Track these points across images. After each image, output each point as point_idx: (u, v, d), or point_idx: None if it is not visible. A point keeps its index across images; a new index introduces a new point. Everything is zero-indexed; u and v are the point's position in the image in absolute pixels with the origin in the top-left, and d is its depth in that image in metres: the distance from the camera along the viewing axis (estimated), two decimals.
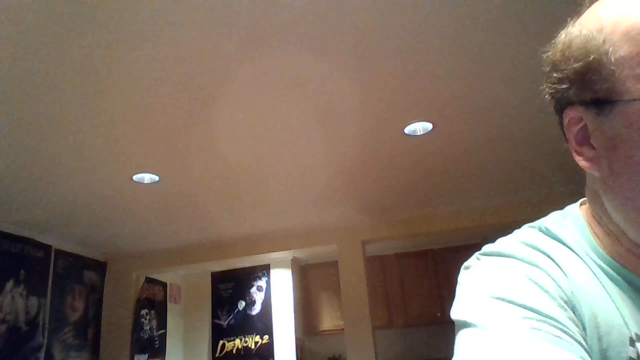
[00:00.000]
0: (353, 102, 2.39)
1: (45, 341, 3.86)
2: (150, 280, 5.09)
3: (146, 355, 4.84)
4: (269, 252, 4.77)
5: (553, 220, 0.60)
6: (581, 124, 0.53)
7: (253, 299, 5.43)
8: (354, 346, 4.27)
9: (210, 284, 5.65)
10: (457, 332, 0.52)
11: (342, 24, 1.83)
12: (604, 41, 0.49)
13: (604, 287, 0.52)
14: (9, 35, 1.73)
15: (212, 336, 5.49)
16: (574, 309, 0.50)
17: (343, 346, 4.53)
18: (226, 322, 5.47)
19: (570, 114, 0.53)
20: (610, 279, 0.52)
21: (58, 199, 3.29)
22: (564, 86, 0.53)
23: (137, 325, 4.72)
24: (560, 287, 0.51)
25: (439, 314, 5.35)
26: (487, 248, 0.58)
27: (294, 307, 5.30)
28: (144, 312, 4.90)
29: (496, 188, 3.83)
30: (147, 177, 3.06)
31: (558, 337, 0.45)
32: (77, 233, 4.05)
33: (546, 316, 0.47)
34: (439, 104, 2.46)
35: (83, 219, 3.74)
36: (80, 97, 2.14)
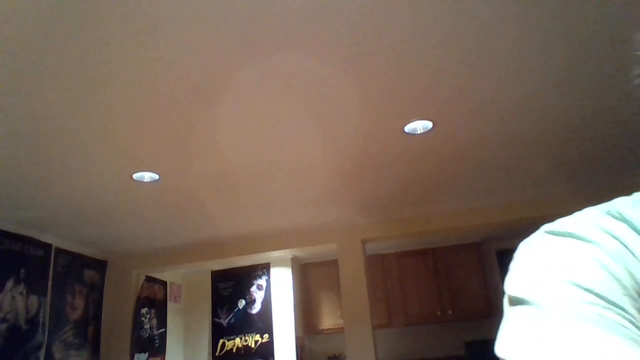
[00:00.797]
0: (353, 101, 2.39)
1: (46, 340, 3.86)
2: (150, 279, 5.09)
3: (146, 354, 4.84)
4: (269, 251, 4.77)
5: (624, 205, 0.56)
6: None
7: (253, 298, 5.43)
8: (354, 345, 4.27)
9: (210, 283, 5.65)
10: (510, 306, 0.50)
11: (342, 24, 1.83)
12: None
13: None
14: (9, 35, 1.72)
15: (212, 335, 5.49)
16: None
17: (343, 345, 4.53)
18: (226, 321, 5.47)
19: None
20: None
21: (58, 198, 3.29)
22: None
23: (137, 324, 4.73)
24: (632, 275, 0.49)
25: (439, 313, 5.35)
26: (551, 227, 0.55)
27: (294, 305, 5.30)
28: (144, 310, 4.90)
29: (496, 187, 3.82)
30: (147, 176, 3.06)
31: (623, 326, 0.44)
32: (77, 232, 4.06)
33: (613, 304, 0.45)
34: (439, 102, 2.46)
35: (83, 218, 3.74)
36: (80, 96, 2.14)
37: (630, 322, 0.45)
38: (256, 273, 5.48)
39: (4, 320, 3.49)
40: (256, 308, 5.39)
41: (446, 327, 5.48)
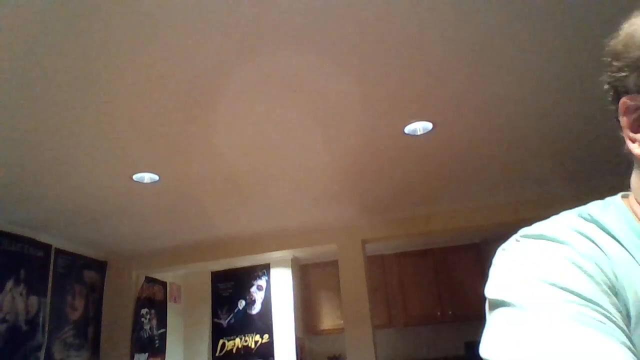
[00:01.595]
0: (353, 102, 2.39)
1: (45, 340, 3.86)
2: (150, 280, 5.09)
3: (146, 355, 4.84)
4: (269, 252, 4.77)
5: (594, 207, 0.59)
6: (638, 112, 0.54)
7: (253, 298, 5.43)
8: (354, 345, 4.27)
9: (210, 283, 5.65)
10: (492, 310, 0.51)
11: (342, 24, 1.83)
12: None
13: None
14: (9, 35, 1.73)
15: (212, 335, 5.49)
16: (617, 294, 0.49)
17: (343, 345, 4.53)
18: (226, 321, 5.47)
19: (627, 102, 0.54)
20: None
21: (58, 199, 3.29)
22: (623, 74, 0.54)
23: (137, 325, 4.73)
24: (604, 272, 0.50)
25: (439, 313, 5.36)
26: (526, 231, 0.57)
27: (294, 306, 5.30)
28: (144, 311, 4.90)
29: (496, 188, 3.82)
30: (147, 177, 3.06)
31: (600, 322, 0.45)
32: (77, 232, 4.05)
33: (589, 301, 0.47)
34: (439, 103, 2.46)
35: (83, 219, 3.74)
36: (80, 96, 2.14)
37: (607, 317, 0.46)
38: (256, 273, 5.48)
39: (4, 320, 3.48)
40: (256, 308, 5.39)
41: (446, 328, 5.48)
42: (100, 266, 4.71)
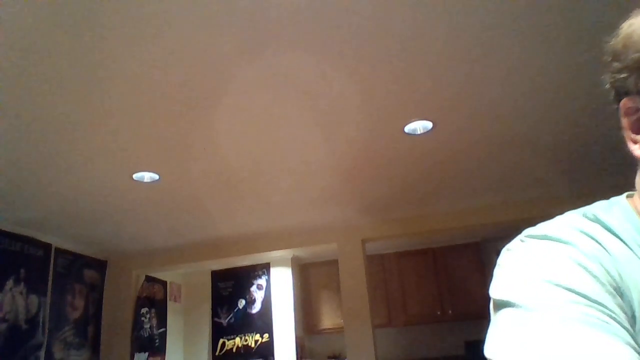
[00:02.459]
0: (353, 101, 2.39)
1: (46, 340, 3.86)
2: (150, 279, 5.09)
3: (146, 354, 4.84)
4: (269, 251, 4.77)
5: (599, 208, 0.59)
6: (638, 114, 0.54)
7: (253, 298, 5.43)
8: (354, 344, 4.27)
9: (210, 283, 5.65)
10: (497, 310, 0.51)
11: (342, 24, 1.83)
12: None
13: None
14: (9, 35, 1.72)
15: (212, 335, 5.49)
16: (622, 295, 0.49)
17: (343, 344, 4.53)
18: (226, 321, 5.47)
19: (628, 103, 0.54)
20: None
21: (58, 198, 3.29)
22: (623, 75, 0.54)
23: (137, 324, 4.73)
24: (608, 273, 0.50)
25: (439, 313, 5.36)
26: (530, 231, 0.57)
27: (294, 305, 5.30)
28: (144, 310, 4.90)
29: (496, 187, 3.82)
30: (147, 176, 3.06)
31: (606, 322, 0.45)
32: (77, 232, 4.06)
33: (594, 301, 0.46)
34: (439, 102, 2.46)
35: (83, 218, 3.74)
36: (80, 96, 2.14)
37: (612, 317, 0.46)
38: (256, 273, 5.48)
39: (4, 320, 3.49)
40: (256, 308, 5.39)
41: (446, 327, 5.48)
42: (100, 265, 4.72)
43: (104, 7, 1.64)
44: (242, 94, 2.25)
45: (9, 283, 3.58)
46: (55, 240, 4.11)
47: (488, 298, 0.55)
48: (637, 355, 0.43)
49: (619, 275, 0.50)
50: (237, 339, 5.36)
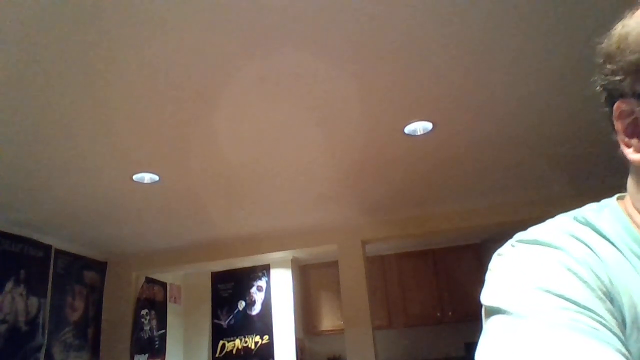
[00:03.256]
0: (353, 102, 2.39)
1: (45, 341, 3.86)
2: (150, 280, 5.09)
3: (146, 356, 4.84)
4: (269, 252, 4.77)
5: (590, 210, 0.59)
6: (632, 117, 0.53)
7: (253, 299, 5.43)
8: (353, 346, 4.27)
9: (210, 284, 5.64)
10: (488, 317, 0.51)
11: (342, 24, 1.83)
12: None
13: None
14: (9, 35, 1.73)
15: (212, 336, 5.48)
16: (612, 300, 0.49)
17: (343, 346, 4.52)
18: (226, 322, 5.46)
19: (622, 106, 0.53)
20: None
21: (58, 199, 3.29)
22: (618, 78, 0.53)
23: (137, 325, 4.72)
24: (599, 278, 0.50)
25: (439, 314, 5.35)
26: (521, 236, 0.57)
27: (294, 307, 5.29)
28: (144, 312, 4.90)
29: (496, 188, 3.82)
30: (147, 177, 3.05)
31: (595, 329, 0.45)
32: (77, 233, 4.05)
33: (584, 307, 0.46)
34: (439, 103, 2.46)
35: (83, 219, 3.74)
36: (80, 96, 2.14)
37: (602, 324, 0.45)
38: (256, 274, 5.47)
39: (4, 321, 3.48)
40: (256, 309, 5.39)
41: (446, 329, 5.47)
42: (100, 267, 4.71)
43: (104, 8, 1.64)
44: (242, 95, 2.25)
45: (9, 284, 3.57)
46: (55, 242, 4.11)
47: (481, 304, 0.55)
48: None
49: (609, 280, 0.50)
50: (237, 341, 5.35)
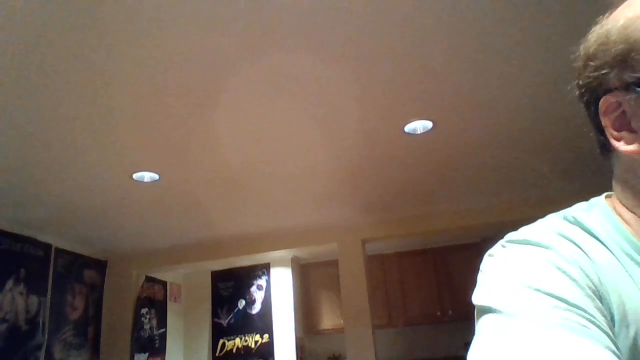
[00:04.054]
0: (353, 101, 2.39)
1: (45, 340, 3.86)
2: (150, 279, 5.09)
3: (146, 354, 4.84)
4: (269, 251, 4.77)
5: (579, 209, 0.59)
6: (620, 110, 0.53)
7: (253, 298, 5.43)
8: (354, 345, 4.27)
9: (210, 283, 5.65)
10: (479, 317, 0.52)
11: (342, 24, 1.83)
12: None
13: (631, 275, 0.51)
14: (9, 33, 1.72)
15: (212, 335, 5.49)
16: (601, 298, 0.50)
17: (343, 345, 4.53)
18: (226, 321, 5.47)
19: (609, 99, 0.53)
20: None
21: (58, 198, 3.29)
22: (603, 71, 0.53)
23: (137, 324, 4.73)
24: (587, 276, 0.50)
25: (439, 313, 5.35)
26: (512, 236, 0.58)
27: (294, 306, 5.30)
28: (144, 311, 4.90)
29: (496, 187, 3.82)
30: (147, 176, 3.05)
31: (585, 327, 0.45)
32: (77, 232, 4.06)
33: (574, 306, 0.47)
34: (439, 102, 2.46)
35: (83, 218, 3.74)
36: (80, 95, 2.14)
37: (591, 322, 0.46)
38: (256, 273, 5.48)
39: (4, 320, 3.48)
40: (256, 308, 5.39)
41: (446, 328, 5.48)
42: (100, 266, 4.72)
43: (104, 7, 1.64)
44: (242, 94, 2.25)
45: (9, 283, 3.58)
46: (56, 241, 4.11)
47: (473, 305, 0.56)
48: (616, 359, 0.43)
49: (598, 278, 0.51)
50: (237, 340, 5.35)
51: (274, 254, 4.98)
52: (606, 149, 0.57)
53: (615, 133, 0.54)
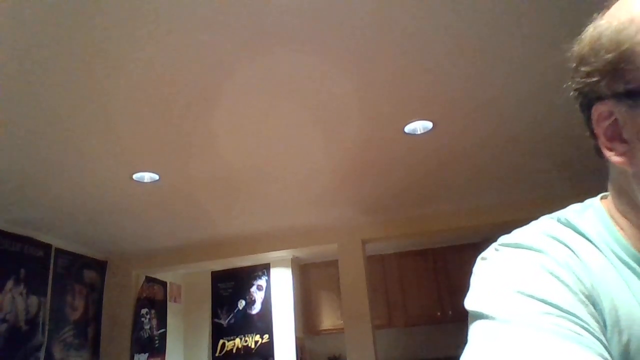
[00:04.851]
0: (353, 101, 2.39)
1: (45, 340, 3.86)
2: (150, 280, 5.09)
3: (146, 355, 4.84)
4: (269, 251, 4.77)
5: (573, 211, 0.58)
6: (611, 119, 0.52)
7: (253, 298, 5.43)
8: (353, 345, 4.27)
9: (210, 283, 5.65)
10: (472, 322, 0.51)
11: (342, 24, 1.83)
12: (636, 31, 0.48)
13: (624, 280, 0.51)
14: (8, 33, 1.72)
15: (212, 335, 5.49)
16: (594, 303, 0.49)
17: (343, 345, 4.53)
18: (226, 321, 5.47)
19: (600, 108, 0.52)
20: (633, 272, 0.51)
21: (58, 198, 3.29)
22: (594, 79, 0.52)
23: (137, 325, 4.73)
24: (580, 281, 0.50)
25: (439, 313, 5.35)
26: (505, 239, 0.57)
27: (294, 306, 5.30)
28: (144, 311, 4.90)
29: (496, 187, 3.82)
30: (147, 176, 3.05)
31: (578, 334, 0.45)
32: (77, 232, 4.05)
33: (566, 312, 0.46)
34: (439, 102, 2.46)
35: (83, 218, 3.74)
36: (80, 95, 2.14)
37: (584, 328, 0.45)
38: (256, 273, 5.48)
39: (4, 320, 3.48)
40: (256, 308, 5.39)
41: (446, 328, 5.48)
42: (100, 266, 4.71)
43: (104, 7, 1.64)
44: (242, 94, 2.25)
45: (9, 284, 3.57)
46: (55, 241, 4.11)
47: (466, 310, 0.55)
48: None
49: (591, 282, 0.50)
50: (237, 340, 5.35)
51: (274, 255, 4.98)
52: (601, 152, 0.56)
53: (607, 142, 0.53)
